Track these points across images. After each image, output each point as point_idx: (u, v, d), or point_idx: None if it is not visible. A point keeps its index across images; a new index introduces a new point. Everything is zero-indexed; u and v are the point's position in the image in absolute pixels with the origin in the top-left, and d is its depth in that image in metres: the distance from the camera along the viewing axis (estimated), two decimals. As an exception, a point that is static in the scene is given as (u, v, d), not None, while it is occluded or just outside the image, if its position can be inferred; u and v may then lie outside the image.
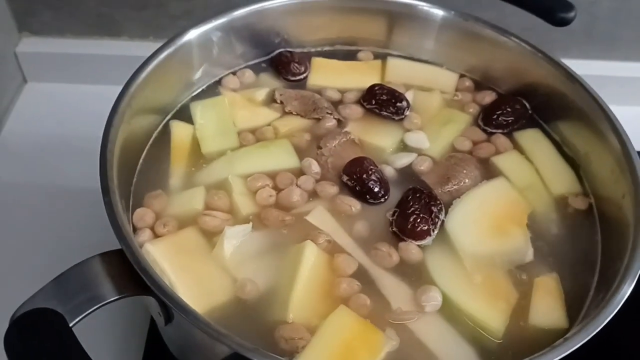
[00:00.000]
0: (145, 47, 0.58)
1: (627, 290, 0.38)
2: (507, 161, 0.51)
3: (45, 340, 0.32)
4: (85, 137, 0.70)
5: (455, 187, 0.48)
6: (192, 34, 0.51)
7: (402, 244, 0.44)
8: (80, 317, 0.34)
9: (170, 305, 0.35)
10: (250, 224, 0.44)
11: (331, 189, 0.48)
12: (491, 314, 0.41)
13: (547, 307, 0.42)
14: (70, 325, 0.33)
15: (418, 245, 0.44)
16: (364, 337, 0.39)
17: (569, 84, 0.50)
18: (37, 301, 0.34)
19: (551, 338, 0.39)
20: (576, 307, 0.42)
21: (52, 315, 0.33)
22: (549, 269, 0.44)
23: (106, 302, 0.35)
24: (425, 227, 0.45)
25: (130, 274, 0.36)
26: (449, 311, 0.41)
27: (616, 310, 0.37)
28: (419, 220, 0.45)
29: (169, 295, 0.35)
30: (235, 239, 0.43)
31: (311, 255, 0.42)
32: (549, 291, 0.43)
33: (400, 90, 0.55)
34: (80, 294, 0.35)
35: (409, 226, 0.44)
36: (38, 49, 0.77)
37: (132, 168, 0.48)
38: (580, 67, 0.52)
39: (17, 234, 0.63)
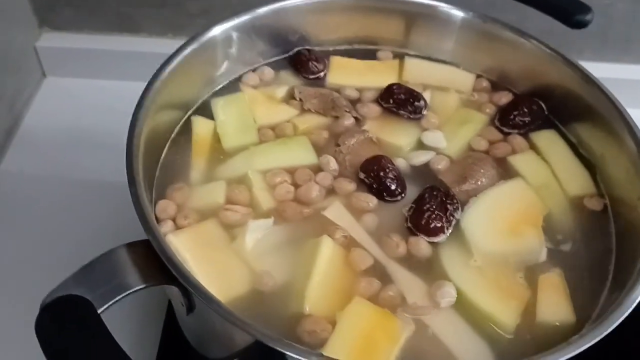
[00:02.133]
0: (163, 45, 0.59)
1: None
2: (523, 161, 0.51)
3: (75, 325, 0.33)
4: (103, 132, 0.72)
5: (472, 186, 0.49)
6: (216, 31, 0.52)
7: (412, 238, 0.45)
8: (108, 304, 0.35)
9: (195, 294, 0.36)
10: (272, 218, 0.45)
11: (349, 185, 0.48)
12: (503, 310, 0.42)
13: (552, 303, 0.43)
14: (99, 312, 0.34)
15: (430, 242, 0.45)
16: (383, 325, 0.40)
17: (586, 85, 0.51)
18: (66, 288, 0.35)
19: (561, 334, 0.40)
20: (590, 306, 0.43)
21: (81, 302, 0.34)
22: (561, 268, 0.45)
23: (133, 290, 0.36)
24: (439, 225, 0.45)
25: (155, 263, 0.37)
26: (463, 307, 0.42)
27: (631, 309, 0.37)
28: (433, 216, 0.45)
29: (194, 284, 0.36)
30: (258, 233, 0.44)
31: (327, 250, 0.43)
32: (553, 287, 0.43)
33: (418, 90, 0.56)
34: (108, 282, 0.36)
35: (422, 222, 0.45)
36: (58, 44, 0.79)
37: (155, 162, 0.49)
38: (595, 69, 0.52)
39: (35, 225, 0.65)
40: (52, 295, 0.34)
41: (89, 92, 0.79)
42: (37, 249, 0.62)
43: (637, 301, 0.38)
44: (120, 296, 0.36)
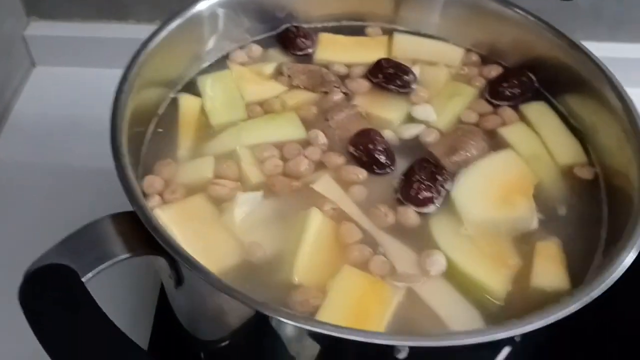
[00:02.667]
0: (152, 30, 0.58)
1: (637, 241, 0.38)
2: (513, 132, 0.51)
3: (58, 293, 0.33)
4: (93, 119, 0.70)
5: (462, 157, 0.49)
6: (202, 6, 0.51)
7: (401, 208, 0.45)
8: (92, 273, 0.35)
9: (181, 263, 0.35)
10: (261, 191, 0.45)
11: (338, 159, 0.48)
12: (494, 278, 0.42)
13: (548, 270, 0.42)
14: (83, 280, 0.34)
15: (419, 212, 0.45)
16: (374, 291, 0.39)
17: (573, 53, 0.51)
18: (50, 257, 0.35)
19: (553, 300, 0.39)
20: (581, 274, 0.42)
21: (65, 270, 0.34)
22: (553, 235, 0.44)
23: (118, 259, 0.36)
24: (429, 195, 0.45)
25: (141, 234, 0.36)
26: (454, 275, 0.42)
27: (623, 270, 0.37)
28: (422, 187, 0.45)
29: (180, 253, 0.35)
30: (247, 206, 0.44)
31: (316, 221, 0.43)
32: (550, 255, 0.43)
33: (407, 65, 0.55)
34: (92, 251, 0.35)
35: (412, 193, 0.45)
36: (46, 32, 0.78)
37: (142, 139, 0.48)
38: (586, 48, 0.52)
39: (26, 213, 0.64)
40: (36, 265, 0.34)
41: (79, 80, 0.79)
42: (27, 235, 0.61)
43: (631, 259, 0.37)
44: (105, 265, 0.35)
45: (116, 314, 0.35)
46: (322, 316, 0.38)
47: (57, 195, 0.66)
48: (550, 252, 0.43)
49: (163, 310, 0.55)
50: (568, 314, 0.35)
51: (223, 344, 0.45)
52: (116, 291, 0.57)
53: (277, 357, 0.42)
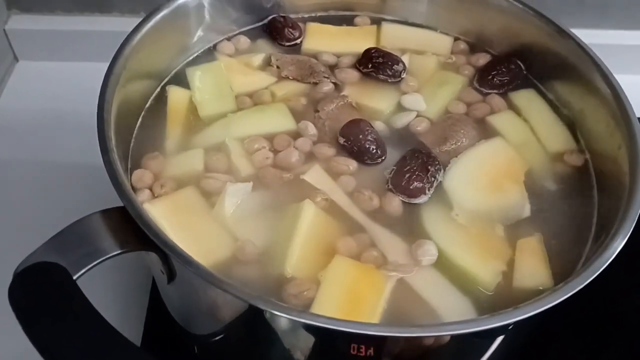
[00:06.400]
0: (136, 23, 0.57)
1: (630, 227, 0.38)
2: (502, 120, 0.51)
3: (49, 291, 0.32)
4: (79, 114, 0.70)
5: (452, 146, 0.49)
6: (187, -5, 0.51)
7: (388, 194, 0.45)
8: (83, 270, 0.34)
9: (172, 257, 0.35)
10: (251, 182, 0.44)
11: (328, 150, 0.48)
12: (484, 269, 0.41)
13: (530, 269, 0.42)
14: (74, 278, 0.33)
15: (411, 203, 0.45)
16: (366, 278, 0.39)
17: (561, 39, 0.51)
18: (39, 256, 0.34)
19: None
20: (573, 262, 0.42)
21: (55, 268, 0.33)
22: (544, 225, 0.44)
23: (108, 256, 0.35)
24: (420, 185, 0.45)
25: (131, 229, 0.36)
26: (445, 265, 0.42)
27: (614, 255, 0.37)
28: (413, 177, 0.45)
29: (172, 247, 0.35)
30: (236, 197, 0.43)
31: (309, 213, 0.42)
32: (531, 252, 0.43)
33: (396, 54, 0.55)
34: (82, 248, 0.35)
35: (403, 183, 0.45)
36: (28, 26, 0.77)
37: (130, 132, 0.48)
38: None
39: (11, 209, 0.63)
40: (25, 264, 0.33)
41: (63, 75, 0.78)
42: (14, 233, 0.60)
43: (620, 247, 0.37)
44: (96, 262, 0.35)
45: (108, 311, 0.35)
46: (316, 308, 0.38)
47: (44, 192, 0.65)
48: (532, 249, 0.43)
49: (155, 306, 0.54)
50: (560, 301, 0.35)
51: (217, 337, 0.45)
52: (108, 288, 0.56)
53: (271, 350, 0.42)
